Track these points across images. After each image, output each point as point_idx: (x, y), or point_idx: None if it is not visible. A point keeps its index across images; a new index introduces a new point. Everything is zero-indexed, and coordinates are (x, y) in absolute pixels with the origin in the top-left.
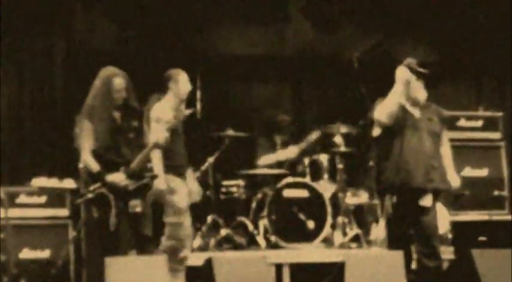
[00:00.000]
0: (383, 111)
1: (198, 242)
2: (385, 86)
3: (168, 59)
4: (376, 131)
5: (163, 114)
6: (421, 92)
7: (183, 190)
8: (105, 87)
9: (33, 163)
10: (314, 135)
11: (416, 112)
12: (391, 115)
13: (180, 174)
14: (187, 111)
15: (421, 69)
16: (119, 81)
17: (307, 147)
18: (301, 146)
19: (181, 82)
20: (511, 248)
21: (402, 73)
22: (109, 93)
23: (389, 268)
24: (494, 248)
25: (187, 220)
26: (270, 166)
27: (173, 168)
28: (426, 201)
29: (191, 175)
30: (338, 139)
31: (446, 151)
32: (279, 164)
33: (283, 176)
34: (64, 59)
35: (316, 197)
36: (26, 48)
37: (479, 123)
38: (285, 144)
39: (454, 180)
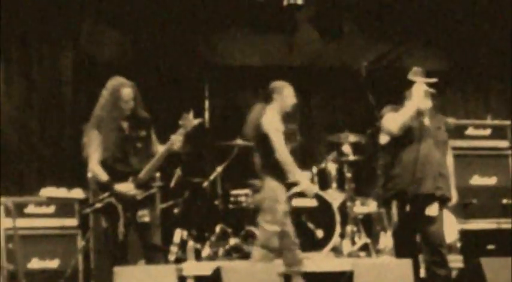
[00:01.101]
0: (396, 123)
1: (206, 251)
2: (393, 95)
3: (176, 69)
4: (383, 139)
5: (278, 124)
6: (424, 101)
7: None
8: (113, 98)
9: (41, 173)
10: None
11: (426, 120)
12: (404, 128)
13: (283, 180)
14: (196, 121)
15: (428, 80)
16: (127, 92)
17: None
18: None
19: (286, 95)
20: None
21: (419, 89)
22: (117, 103)
23: (398, 277)
24: (503, 257)
25: (290, 227)
26: None
27: (278, 176)
28: (432, 210)
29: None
30: (346, 148)
31: (449, 161)
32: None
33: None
34: (72, 69)
35: (324, 206)
36: (34, 58)
37: (488, 131)
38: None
39: (453, 195)
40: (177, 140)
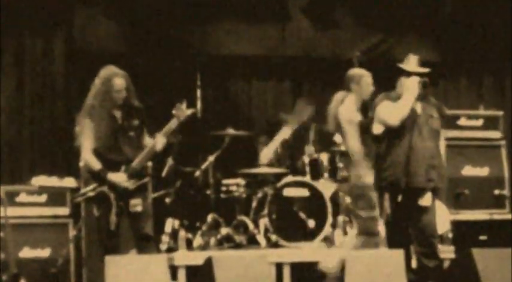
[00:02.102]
0: (396, 116)
1: (198, 241)
2: (385, 85)
3: (168, 58)
4: (377, 129)
5: (353, 115)
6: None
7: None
8: (105, 87)
9: (33, 162)
10: (306, 111)
11: (417, 107)
12: (402, 120)
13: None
14: (189, 111)
15: (422, 70)
16: (119, 82)
17: (299, 125)
18: (292, 123)
19: (364, 84)
20: (511, 247)
21: (414, 85)
22: (109, 93)
23: (390, 267)
24: (495, 247)
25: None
26: (271, 165)
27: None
28: (425, 200)
29: None
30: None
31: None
32: (279, 162)
33: (284, 174)
34: (64, 59)
35: (316, 196)
36: (26, 46)
37: (480, 122)
38: (284, 143)
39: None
40: (160, 141)
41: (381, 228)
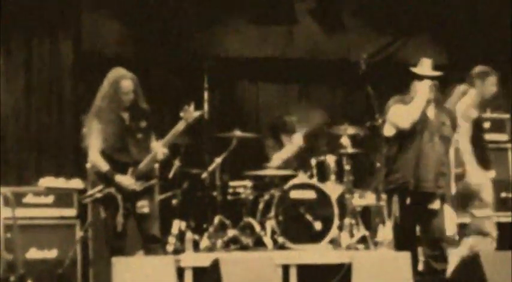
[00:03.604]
0: (407, 119)
1: (205, 242)
2: (392, 87)
3: (176, 60)
4: (389, 131)
5: (470, 111)
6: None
7: (489, 185)
8: (113, 89)
9: (40, 163)
10: (318, 119)
11: (430, 113)
12: (413, 123)
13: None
14: (197, 113)
15: (433, 73)
16: (127, 84)
17: (311, 132)
18: (305, 131)
19: (488, 83)
20: None
21: (426, 88)
22: (117, 94)
23: (396, 269)
24: (501, 250)
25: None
26: (278, 167)
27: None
28: (435, 204)
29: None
30: (345, 140)
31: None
32: (287, 164)
33: (291, 177)
34: (72, 60)
35: (323, 198)
36: (34, 49)
37: (487, 124)
38: (298, 150)
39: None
40: (161, 151)
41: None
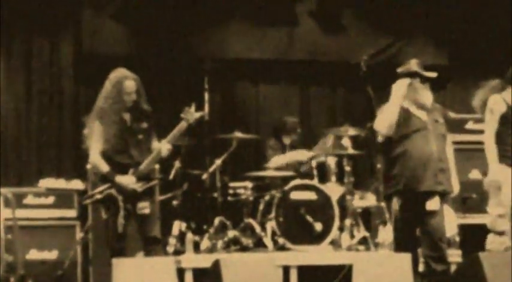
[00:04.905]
0: (382, 123)
1: (205, 243)
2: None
3: (176, 61)
4: (380, 138)
5: (500, 106)
6: (427, 96)
7: (509, 182)
8: (115, 90)
9: (41, 164)
10: (329, 140)
11: (423, 115)
12: (391, 126)
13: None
14: (198, 114)
15: (427, 73)
16: (130, 84)
17: (321, 153)
18: (315, 151)
19: None
20: None
21: (400, 87)
22: (119, 95)
23: (397, 271)
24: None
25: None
26: (278, 168)
27: (501, 158)
28: (433, 205)
29: None
30: (346, 141)
31: (449, 153)
32: (287, 166)
33: (291, 178)
34: (72, 61)
35: (323, 199)
36: (34, 49)
37: None
38: (293, 146)
39: (455, 186)
40: (165, 147)
41: (388, 232)
